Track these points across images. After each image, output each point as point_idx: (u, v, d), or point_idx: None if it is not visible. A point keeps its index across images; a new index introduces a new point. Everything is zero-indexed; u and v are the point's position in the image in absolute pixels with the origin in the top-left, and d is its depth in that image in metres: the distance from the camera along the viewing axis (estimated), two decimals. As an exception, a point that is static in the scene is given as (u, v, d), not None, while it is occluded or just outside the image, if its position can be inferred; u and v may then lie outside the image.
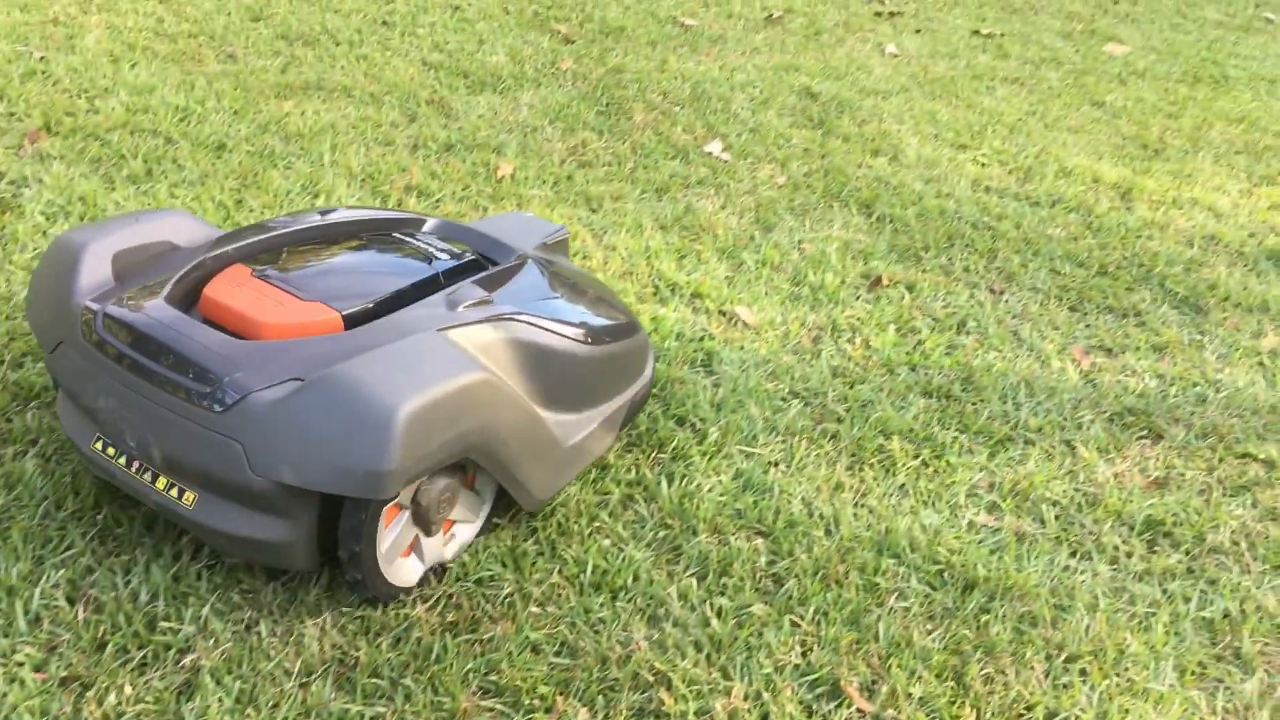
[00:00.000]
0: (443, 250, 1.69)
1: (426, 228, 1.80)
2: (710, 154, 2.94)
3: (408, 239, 1.72)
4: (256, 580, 1.50)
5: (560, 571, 1.58)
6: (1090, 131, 3.45)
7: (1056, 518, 1.82)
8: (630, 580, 1.57)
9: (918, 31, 4.19)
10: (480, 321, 1.50)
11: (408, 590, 1.50)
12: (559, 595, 1.54)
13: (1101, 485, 1.90)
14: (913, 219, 2.73)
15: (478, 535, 1.59)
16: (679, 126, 3.07)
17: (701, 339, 2.16)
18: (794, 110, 3.29)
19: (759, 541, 1.68)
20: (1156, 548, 1.78)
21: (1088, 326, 2.40)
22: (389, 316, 1.47)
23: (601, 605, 1.53)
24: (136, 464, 1.42)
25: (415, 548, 1.51)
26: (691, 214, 2.61)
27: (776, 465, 1.85)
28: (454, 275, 1.63)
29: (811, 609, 1.56)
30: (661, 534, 1.67)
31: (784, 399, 2.02)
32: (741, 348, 2.15)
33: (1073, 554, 1.74)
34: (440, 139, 2.76)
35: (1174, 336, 2.39)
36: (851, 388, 2.08)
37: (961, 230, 2.72)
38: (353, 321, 1.47)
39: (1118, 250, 2.72)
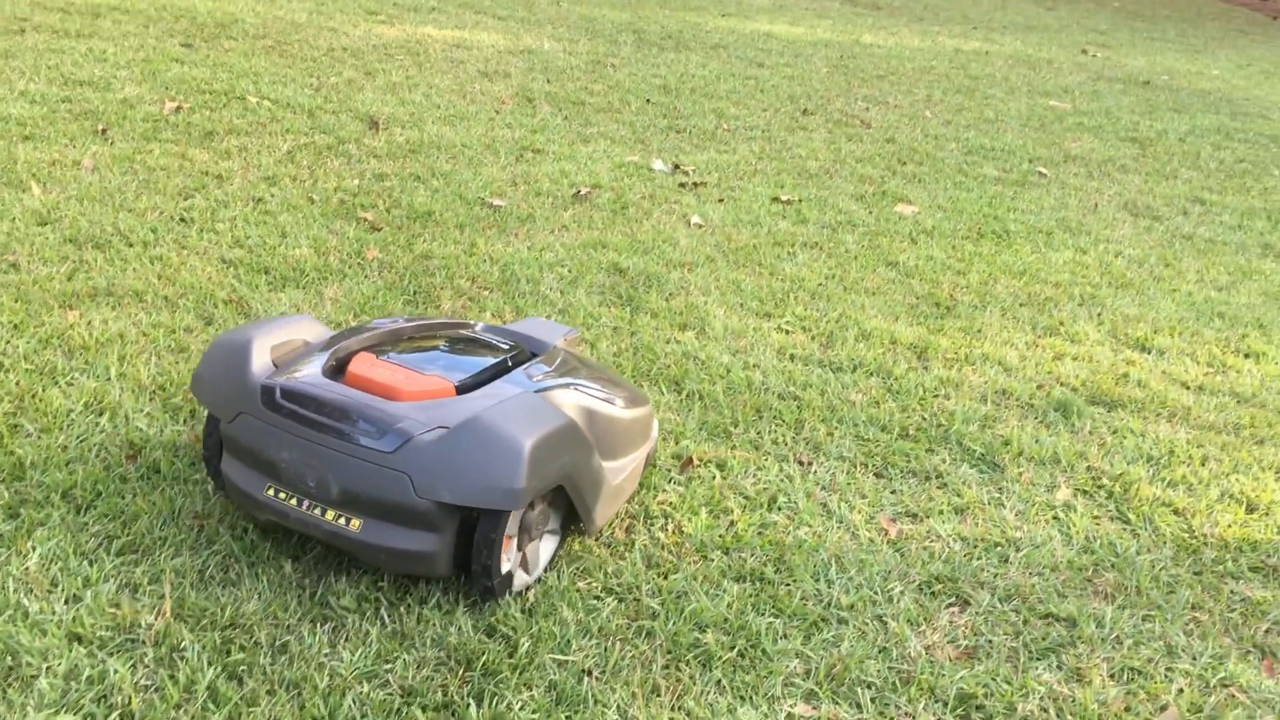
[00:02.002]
0: (500, 343, 2.20)
1: (479, 329, 2.31)
2: (520, 338, 2.95)
3: (474, 335, 2.25)
4: None
5: (361, 820, 1.48)
6: (886, 292, 3.61)
7: (873, 700, 1.82)
8: (437, 823, 1.48)
9: (721, 201, 4.35)
10: (555, 388, 2.02)
11: (515, 592, 1.94)
12: None
13: (914, 660, 1.92)
14: (721, 394, 2.78)
15: (554, 554, 2.05)
16: (488, 311, 3.07)
17: (512, 538, 2.11)
18: (603, 288, 3.34)
19: (573, 761, 1.62)
20: (970, 724, 1.79)
21: (893, 492, 2.46)
22: (487, 385, 1.98)
23: None
24: (308, 503, 1.85)
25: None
26: (500, 404, 2.59)
27: (590, 673, 1.80)
28: (516, 360, 2.12)
29: (629, 834, 1.50)
30: (471, 764, 1.59)
31: (598, 597, 1.98)
32: (553, 545, 2.11)
33: (890, 740, 1.74)
34: (238, 342, 2.69)
35: (974, 497, 2.47)
36: (666, 578, 2.06)
37: (769, 402, 2.78)
38: (463, 389, 1.96)
39: (917, 412, 2.83)
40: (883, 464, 2.57)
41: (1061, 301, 3.72)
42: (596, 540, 2.14)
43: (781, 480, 2.45)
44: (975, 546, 2.28)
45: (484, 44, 6.54)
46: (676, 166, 4.73)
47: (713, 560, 2.13)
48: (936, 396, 2.92)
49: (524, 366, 2.09)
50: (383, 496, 1.79)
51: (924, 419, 2.80)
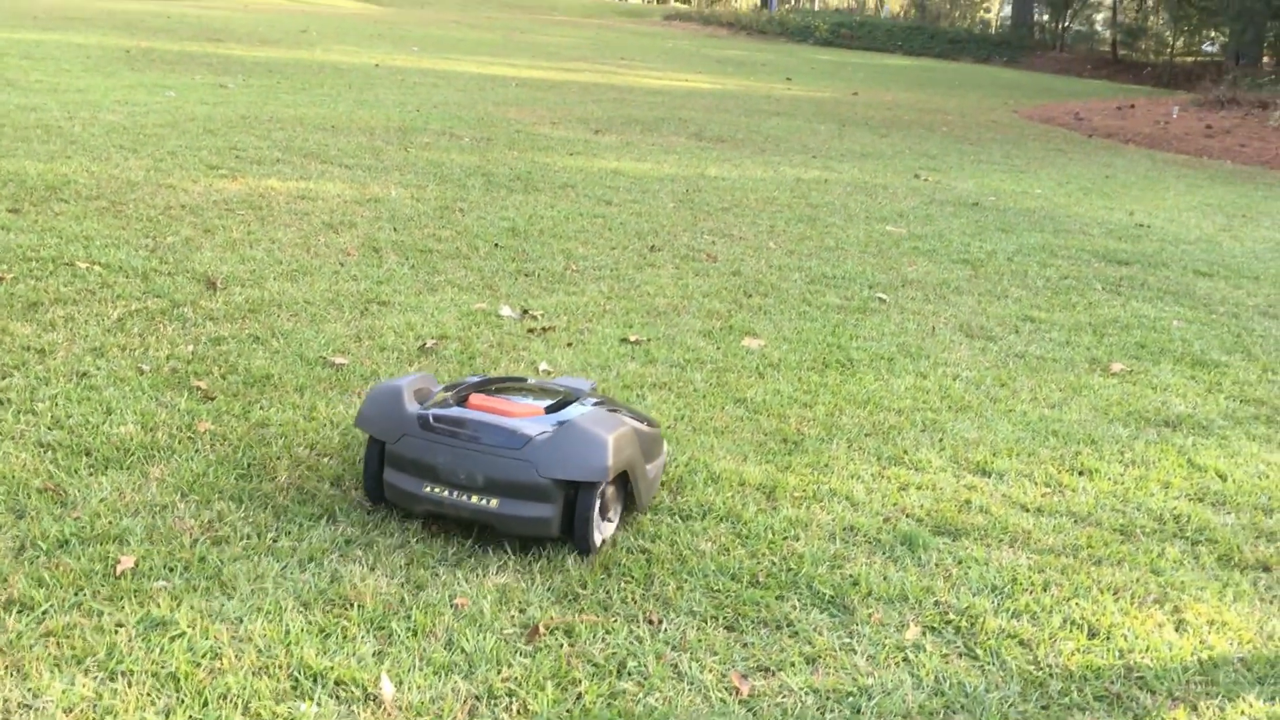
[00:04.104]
0: (556, 387, 3.04)
1: (532, 381, 3.19)
2: (361, 505, 2.86)
3: (535, 383, 3.13)
4: None
5: None
6: (735, 431, 3.64)
7: None
8: None
9: (570, 345, 4.36)
10: (614, 410, 2.88)
11: (598, 549, 2.72)
12: None
13: (769, 833, 1.86)
14: (567, 552, 2.73)
15: (616, 527, 2.84)
16: (327, 481, 2.98)
17: (346, 735, 2.00)
18: (448, 446, 3.27)
19: None
20: None
21: (745, 646, 2.43)
22: (563, 409, 2.81)
23: None
24: (458, 492, 2.64)
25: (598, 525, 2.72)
26: (337, 583, 2.48)
27: None
28: (569, 396, 2.92)
29: None
30: None
31: (437, 793, 1.88)
32: (391, 737, 2.01)
33: None
34: (52, 535, 2.54)
35: (825, 644, 2.45)
36: (511, 764, 1.97)
37: (617, 558, 2.73)
38: (549, 411, 2.80)
39: (766, 556, 2.82)
40: (734, 615, 2.54)
41: (905, 429, 3.80)
42: (437, 728, 2.04)
43: (631, 642, 2.39)
44: (828, 699, 2.26)
45: (329, 194, 6.51)
46: (525, 311, 4.74)
47: (560, 739, 2.05)
48: (786, 538, 2.92)
49: (579, 400, 2.91)
50: (515, 479, 2.60)
51: (774, 563, 2.79)
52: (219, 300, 4.39)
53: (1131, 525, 3.21)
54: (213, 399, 3.44)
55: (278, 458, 3.08)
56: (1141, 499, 3.39)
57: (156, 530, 2.63)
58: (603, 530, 2.75)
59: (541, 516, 2.61)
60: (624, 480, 2.79)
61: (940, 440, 3.73)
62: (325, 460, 3.10)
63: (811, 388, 4.13)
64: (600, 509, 2.70)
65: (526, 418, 2.72)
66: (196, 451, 3.07)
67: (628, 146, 9.83)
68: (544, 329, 4.54)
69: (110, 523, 2.63)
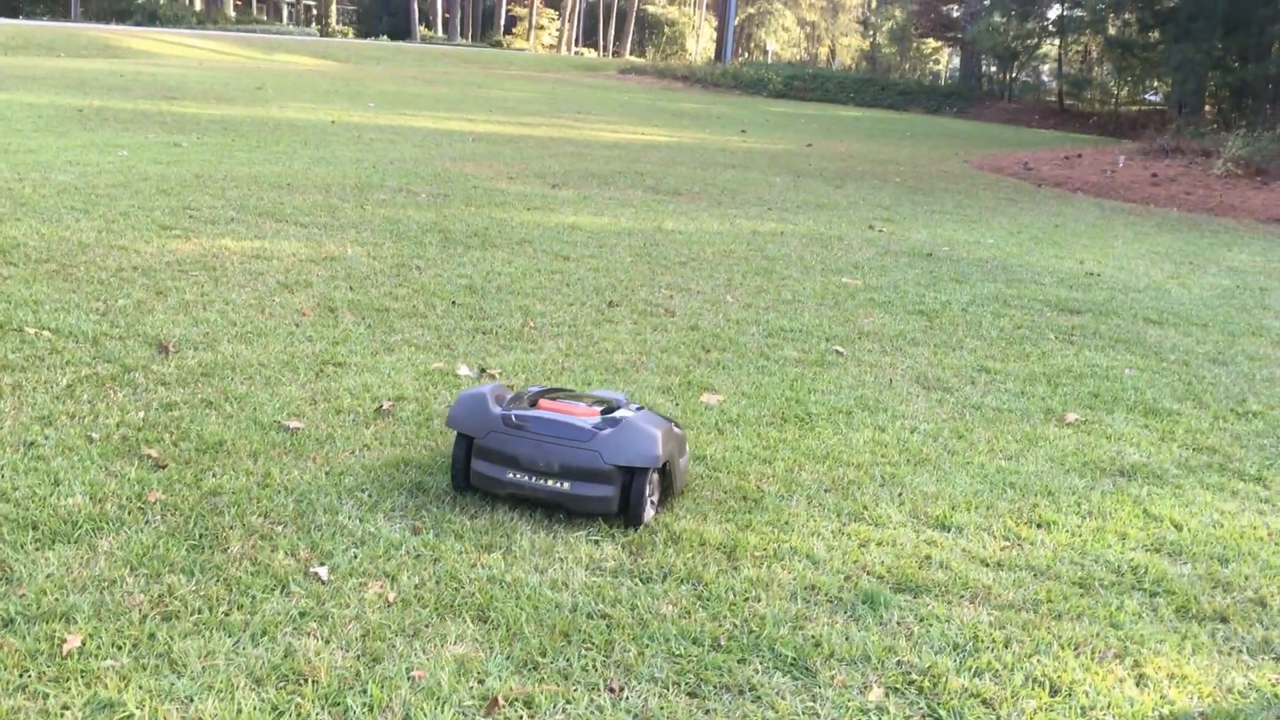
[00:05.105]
0: (601, 395, 3.55)
1: (579, 391, 3.69)
2: (316, 576, 2.81)
3: (582, 393, 3.61)
4: None
5: None
6: (695, 489, 3.62)
7: None
8: None
9: (528, 404, 4.33)
10: (655, 413, 3.47)
11: (646, 525, 3.26)
12: None
13: None
14: (527, 620, 2.69)
15: (657, 508, 3.35)
16: (280, 551, 2.93)
17: (300, 818, 1.95)
18: (405, 510, 3.24)
19: None
20: None
21: (707, 713, 2.40)
22: (614, 412, 3.37)
23: None
24: (536, 477, 3.18)
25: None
26: (290, 658, 2.43)
27: None
28: (615, 404, 3.46)
29: None
30: None
31: None
32: (346, 819, 1.96)
33: None
34: (-4, 614, 2.47)
35: (787, 708, 2.43)
36: (470, 844, 1.92)
37: (578, 624, 2.70)
38: (603, 413, 3.34)
39: (728, 619, 2.80)
40: (695, 681, 2.51)
41: (864, 484, 3.80)
42: None
43: (592, 712, 2.36)
44: (791, 766, 2.23)
45: (284, 254, 6.48)
46: (483, 370, 4.72)
47: (520, 816, 2.01)
48: (747, 599, 2.90)
49: (624, 406, 3.45)
50: (584, 466, 3.15)
51: (735, 625, 2.77)
52: (171, 364, 4.33)
53: (1090, 578, 3.22)
54: (164, 467, 3.38)
55: (230, 527, 3.03)
56: (1099, 551, 3.41)
57: (105, 606, 2.56)
58: (649, 509, 3.28)
59: (605, 496, 3.16)
60: (663, 469, 3.31)
61: (899, 495, 3.73)
62: (279, 529, 3.05)
63: (771, 443, 4.13)
64: (652, 489, 3.27)
65: (589, 417, 3.28)
66: (147, 523, 3.01)
67: (585, 201, 9.87)
68: (502, 388, 4.50)
69: (57, 599, 2.56)
